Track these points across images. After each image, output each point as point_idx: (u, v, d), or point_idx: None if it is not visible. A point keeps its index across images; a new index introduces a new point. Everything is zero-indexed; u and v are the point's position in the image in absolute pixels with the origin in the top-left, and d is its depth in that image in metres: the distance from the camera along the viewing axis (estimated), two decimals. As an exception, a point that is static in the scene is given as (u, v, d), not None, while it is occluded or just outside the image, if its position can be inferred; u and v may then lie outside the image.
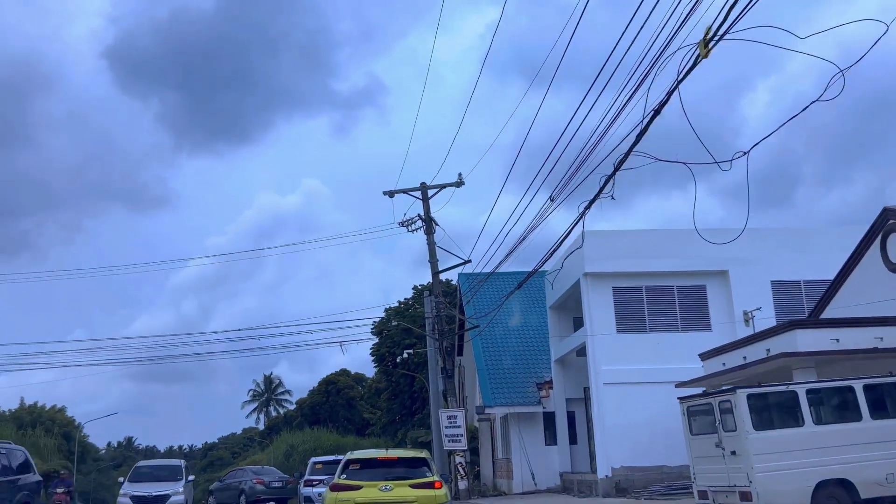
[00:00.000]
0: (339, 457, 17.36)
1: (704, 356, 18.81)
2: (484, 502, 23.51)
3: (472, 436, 28.37)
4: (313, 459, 21.42)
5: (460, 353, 34.04)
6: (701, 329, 22.33)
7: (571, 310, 26.39)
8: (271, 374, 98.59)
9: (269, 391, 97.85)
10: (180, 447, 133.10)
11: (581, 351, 25.63)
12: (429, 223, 26.40)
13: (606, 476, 21.18)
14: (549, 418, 26.55)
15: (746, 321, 22.00)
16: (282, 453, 58.34)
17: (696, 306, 22.58)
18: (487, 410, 26.24)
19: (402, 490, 10.58)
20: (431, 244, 26.37)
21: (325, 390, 72.38)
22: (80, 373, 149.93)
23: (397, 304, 58.27)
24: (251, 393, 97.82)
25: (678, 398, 15.21)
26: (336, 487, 10.90)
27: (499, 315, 29.84)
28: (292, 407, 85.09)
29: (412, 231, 27.11)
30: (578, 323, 25.56)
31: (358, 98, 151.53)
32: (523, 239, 17.66)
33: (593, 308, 22.29)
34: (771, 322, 20.96)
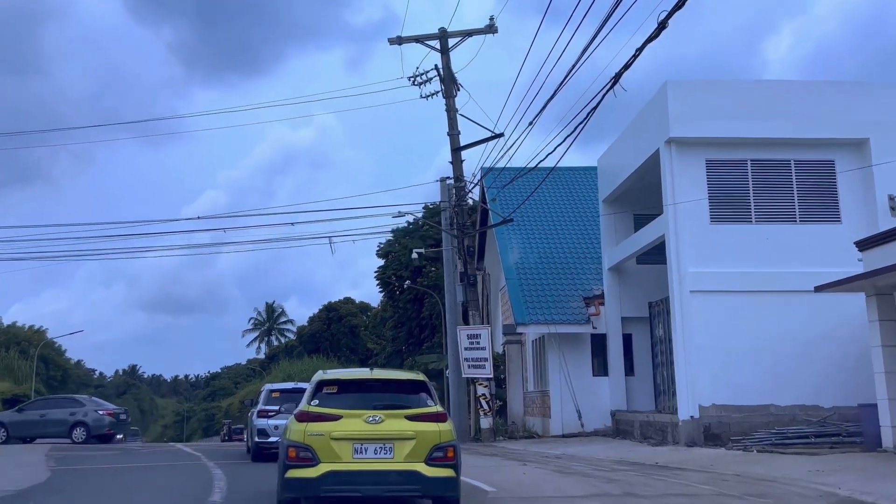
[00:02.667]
0: (303, 384, 12.69)
1: (865, 244, 12.62)
2: (514, 447, 17.72)
3: (497, 364, 22.49)
4: (268, 387, 16.20)
5: (481, 261, 27.90)
6: (827, 219, 16.08)
7: (633, 204, 20.18)
8: (273, 302, 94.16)
9: (270, 320, 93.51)
10: (186, 376, 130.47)
11: (644, 257, 19.54)
12: (448, 83, 19.99)
13: (691, 417, 15.25)
14: (599, 342, 20.58)
15: (893, 209, 15.75)
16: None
17: (821, 188, 16.26)
18: (520, 329, 20.24)
19: (396, 422, 7.26)
20: (451, 110, 20.00)
21: (326, 317, 67.24)
22: (94, 302, 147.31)
23: (406, 225, 52.41)
24: (252, 322, 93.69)
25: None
26: (304, 417, 7.40)
27: (535, 214, 23.68)
28: (294, 337, 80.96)
29: (427, 97, 20.72)
30: (641, 221, 19.41)
31: (372, 31, 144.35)
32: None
33: (678, 188, 16.00)
34: (927, 211, 14.71)
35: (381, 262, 53.68)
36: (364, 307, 71.71)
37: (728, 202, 16.19)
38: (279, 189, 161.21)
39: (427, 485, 7.08)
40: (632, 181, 18.94)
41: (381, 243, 54.73)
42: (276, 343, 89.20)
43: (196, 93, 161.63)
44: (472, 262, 19.68)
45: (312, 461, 7.03)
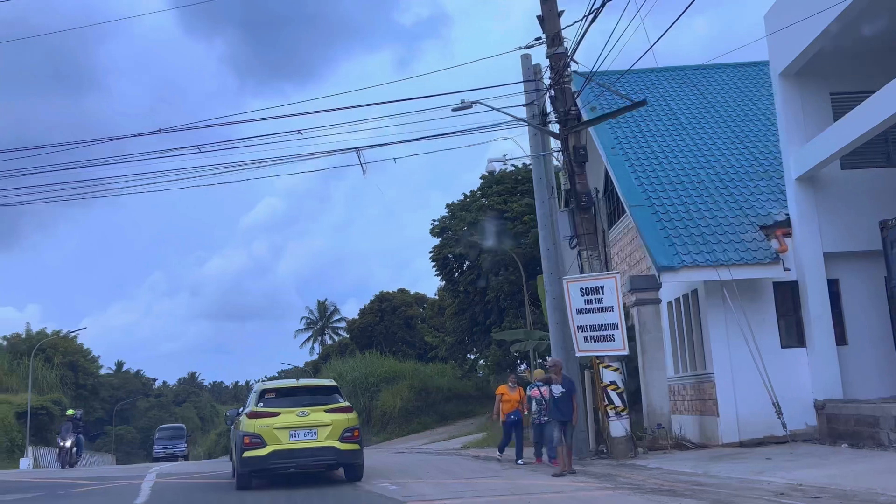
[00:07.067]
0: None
1: None
2: (683, 470, 10.42)
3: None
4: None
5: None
6: None
7: (832, 76, 12.74)
8: (326, 300, 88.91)
9: (323, 318, 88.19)
10: (247, 382, 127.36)
11: (856, 157, 12.15)
12: None
13: None
14: (788, 294, 13.11)
15: None
16: (328, 383, 47.01)
17: None
18: (666, 278, 12.79)
19: (319, 415, 11.18)
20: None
21: (378, 308, 60.68)
22: (159, 313, 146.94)
23: (462, 198, 45.44)
24: (304, 321, 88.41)
25: None
26: (254, 415, 11.18)
27: (657, 119, 16.34)
28: (346, 333, 75.36)
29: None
30: (845, 105, 11.99)
31: (421, 30, 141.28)
32: None
33: None
34: None
35: (436, 241, 46.94)
36: (420, 298, 65.33)
37: None
38: (335, 192, 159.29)
39: (340, 455, 11.12)
40: (840, 28, 11.43)
41: (434, 220, 48.03)
42: (329, 342, 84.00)
43: (249, 103, 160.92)
44: (582, 174, 12.44)
45: (261, 444, 10.84)
